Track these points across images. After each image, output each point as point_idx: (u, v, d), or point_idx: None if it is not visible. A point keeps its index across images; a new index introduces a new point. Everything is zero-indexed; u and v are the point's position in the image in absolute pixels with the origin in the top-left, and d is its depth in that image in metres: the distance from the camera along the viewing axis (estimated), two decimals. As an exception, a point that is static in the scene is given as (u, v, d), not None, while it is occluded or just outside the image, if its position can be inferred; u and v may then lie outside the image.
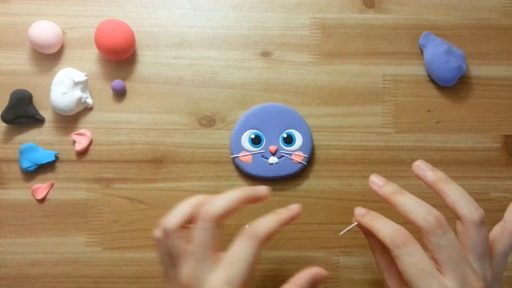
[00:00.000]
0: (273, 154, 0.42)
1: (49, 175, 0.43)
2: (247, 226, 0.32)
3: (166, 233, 0.34)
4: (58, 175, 0.43)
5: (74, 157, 0.43)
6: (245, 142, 0.42)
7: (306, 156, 0.42)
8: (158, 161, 0.43)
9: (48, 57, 0.43)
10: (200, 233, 0.32)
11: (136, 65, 0.44)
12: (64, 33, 0.43)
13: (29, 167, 0.42)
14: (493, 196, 0.44)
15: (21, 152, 0.42)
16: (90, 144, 0.43)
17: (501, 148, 0.44)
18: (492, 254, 0.33)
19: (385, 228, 0.32)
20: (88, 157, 0.43)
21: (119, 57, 0.42)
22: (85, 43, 0.44)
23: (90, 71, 0.43)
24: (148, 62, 0.44)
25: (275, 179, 0.43)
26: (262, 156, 0.42)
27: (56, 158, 0.43)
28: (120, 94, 0.43)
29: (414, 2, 0.45)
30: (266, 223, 0.33)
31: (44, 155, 0.42)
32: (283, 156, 0.42)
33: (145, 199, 0.43)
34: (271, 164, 0.42)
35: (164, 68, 0.44)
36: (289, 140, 0.42)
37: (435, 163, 0.44)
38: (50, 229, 0.42)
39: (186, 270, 0.32)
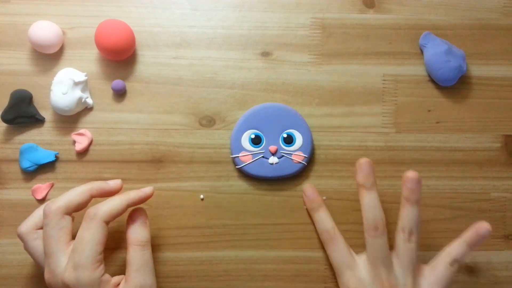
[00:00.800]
0: (273, 154, 0.42)
1: (49, 175, 0.43)
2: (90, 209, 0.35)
3: (21, 239, 0.36)
4: (58, 175, 0.43)
5: (74, 157, 0.43)
6: (245, 142, 0.42)
7: (306, 156, 0.42)
8: (158, 161, 0.43)
9: (48, 57, 0.43)
10: (45, 230, 0.34)
11: (136, 65, 0.44)
12: (64, 33, 0.43)
13: (29, 167, 0.42)
14: (493, 196, 0.44)
15: (21, 152, 0.42)
16: (90, 144, 0.43)
17: (501, 148, 0.44)
18: (423, 275, 0.38)
19: (319, 224, 0.40)
20: (88, 157, 0.43)
21: (119, 57, 0.42)
22: (85, 43, 0.44)
23: (90, 71, 0.43)
24: (148, 62, 0.44)
25: (275, 179, 0.43)
26: (262, 156, 0.42)
27: (56, 158, 0.43)
28: (120, 94, 0.43)
29: (414, 2, 0.45)
30: (109, 203, 0.35)
31: (44, 155, 0.42)
32: (283, 156, 0.42)
33: (145, 199, 0.43)
34: (271, 164, 0.42)
35: (164, 68, 0.44)
36: (289, 140, 0.42)
37: (435, 163, 0.44)
38: (50, 229, 0.42)
39: (46, 269, 0.35)
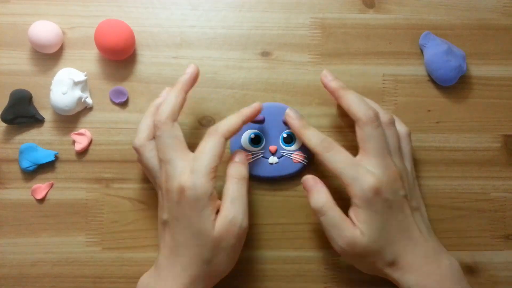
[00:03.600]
0: (273, 154, 0.42)
1: (49, 175, 0.43)
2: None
3: (137, 151, 0.38)
4: (58, 175, 0.43)
5: (74, 157, 0.43)
6: (245, 142, 0.42)
7: (306, 156, 0.42)
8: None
9: (48, 57, 0.43)
10: (161, 139, 0.36)
11: (136, 65, 0.44)
12: (64, 33, 0.43)
13: (29, 167, 0.42)
14: (493, 196, 0.44)
15: (21, 152, 0.42)
16: (90, 144, 0.43)
17: (501, 148, 0.44)
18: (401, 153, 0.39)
19: (313, 137, 0.38)
20: (88, 157, 0.43)
21: (119, 57, 0.42)
22: (85, 43, 0.44)
23: (90, 71, 0.43)
24: (148, 62, 0.44)
25: (275, 179, 0.43)
26: (262, 156, 0.42)
27: (56, 158, 0.43)
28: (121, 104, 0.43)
29: (414, 2, 0.45)
30: (227, 121, 0.37)
31: (44, 155, 0.42)
32: (283, 156, 0.42)
33: (145, 199, 0.43)
34: (271, 164, 0.42)
35: (164, 68, 0.44)
36: (289, 140, 0.42)
37: (435, 163, 0.44)
38: (50, 229, 0.42)
39: (161, 176, 0.36)
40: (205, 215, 0.34)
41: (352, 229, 0.35)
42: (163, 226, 0.36)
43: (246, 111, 0.39)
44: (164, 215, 0.36)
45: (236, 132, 0.38)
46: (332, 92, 0.39)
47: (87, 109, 0.43)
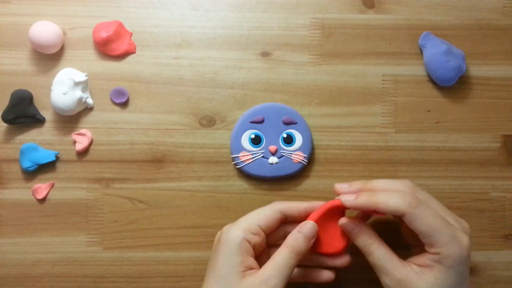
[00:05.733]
0: (273, 154, 0.42)
1: (50, 175, 0.43)
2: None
3: None
4: (59, 175, 0.43)
5: (74, 157, 0.43)
6: (245, 142, 0.42)
7: (306, 156, 0.42)
8: (158, 161, 0.43)
9: (48, 57, 0.43)
10: None
11: (136, 65, 0.44)
12: (64, 33, 0.44)
13: (29, 167, 0.42)
14: (493, 196, 0.44)
15: (22, 152, 0.42)
16: (90, 144, 0.43)
17: (501, 148, 0.44)
18: None
19: (391, 198, 0.33)
20: (88, 157, 0.43)
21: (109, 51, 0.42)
22: (85, 43, 0.44)
23: (90, 71, 0.43)
24: (148, 62, 0.44)
25: (275, 179, 0.43)
26: (262, 156, 0.42)
27: (57, 158, 0.43)
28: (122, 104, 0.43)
29: (414, 2, 0.46)
30: (292, 202, 0.38)
31: (45, 155, 0.42)
32: (283, 156, 0.42)
33: (145, 199, 0.43)
34: (271, 164, 0.42)
35: (164, 68, 0.44)
36: (289, 140, 0.42)
37: (435, 163, 0.44)
38: (50, 229, 0.42)
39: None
40: (231, 261, 0.34)
41: (402, 269, 0.34)
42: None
43: (313, 205, 0.38)
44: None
45: (291, 215, 0.37)
46: (364, 208, 0.35)
47: (87, 109, 0.43)
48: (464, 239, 0.33)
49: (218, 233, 0.37)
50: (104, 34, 0.42)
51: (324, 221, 0.37)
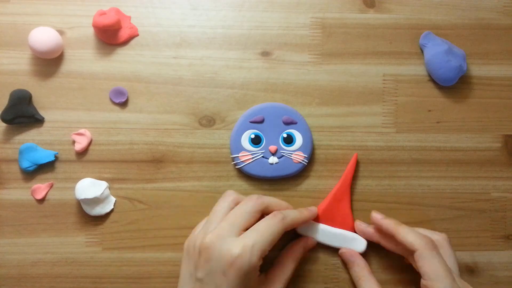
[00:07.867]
0: (273, 154, 0.42)
1: (49, 175, 0.43)
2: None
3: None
4: (58, 175, 0.43)
5: (73, 157, 0.43)
6: (245, 142, 0.42)
7: (306, 156, 0.42)
8: (158, 161, 0.43)
9: (48, 57, 0.43)
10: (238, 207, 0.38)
11: (135, 64, 0.44)
12: (64, 32, 0.43)
13: (28, 167, 0.42)
14: (494, 196, 0.44)
15: (21, 152, 0.42)
16: (89, 144, 0.43)
17: (502, 148, 0.44)
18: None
19: (412, 233, 0.36)
20: (87, 157, 0.43)
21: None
22: (85, 42, 0.44)
23: (90, 71, 0.43)
24: (148, 62, 0.44)
25: (275, 179, 0.43)
26: (262, 156, 0.42)
27: (56, 158, 0.43)
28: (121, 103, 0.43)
29: (415, 2, 0.45)
30: (293, 214, 0.38)
31: (44, 155, 0.42)
32: (283, 156, 0.42)
33: (145, 199, 0.43)
34: (271, 164, 0.42)
35: (164, 68, 0.44)
36: (289, 140, 0.42)
37: (435, 163, 0.44)
38: (49, 229, 0.42)
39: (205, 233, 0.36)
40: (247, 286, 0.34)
41: None
42: (194, 280, 0.35)
43: (306, 213, 0.40)
44: (199, 273, 0.35)
45: (295, 226, 0.39)
46: (386, 229, 0.38)
47: (87, 109, 0.43)
48: None
49: (224, 253, 0.34)
50: (105, 20, 0.42)
51: (336, 203, 0.42)
